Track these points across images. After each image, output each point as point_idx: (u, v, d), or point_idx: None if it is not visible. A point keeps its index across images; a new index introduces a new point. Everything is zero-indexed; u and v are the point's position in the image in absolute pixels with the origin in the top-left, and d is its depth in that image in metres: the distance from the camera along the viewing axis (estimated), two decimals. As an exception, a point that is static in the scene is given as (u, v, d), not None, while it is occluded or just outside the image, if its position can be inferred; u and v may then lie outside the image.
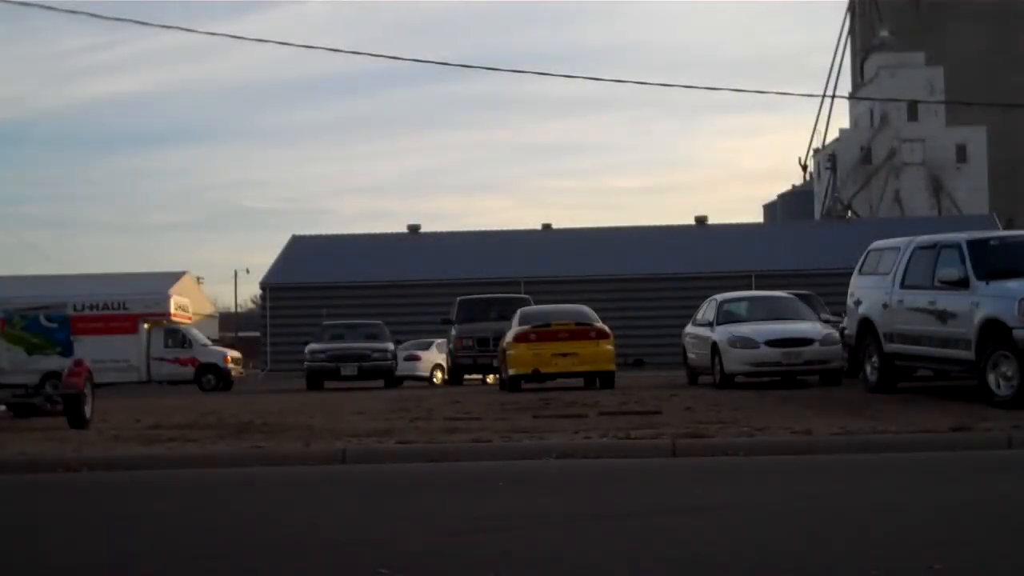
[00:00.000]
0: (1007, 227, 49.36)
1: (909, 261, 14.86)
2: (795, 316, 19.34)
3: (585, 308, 22.09)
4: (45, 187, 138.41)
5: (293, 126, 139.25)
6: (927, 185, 66.12)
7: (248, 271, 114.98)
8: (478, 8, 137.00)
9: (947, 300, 13.54)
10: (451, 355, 27.97)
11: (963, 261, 13.36)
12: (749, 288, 39.03)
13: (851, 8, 75.43)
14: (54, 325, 16.23)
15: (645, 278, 48.95)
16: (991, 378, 12.42)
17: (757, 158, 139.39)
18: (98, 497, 7.95)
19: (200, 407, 17.55)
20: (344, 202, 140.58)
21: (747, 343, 17.90)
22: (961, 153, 66.30)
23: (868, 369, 15.65)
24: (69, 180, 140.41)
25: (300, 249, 54.28)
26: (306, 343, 30.32)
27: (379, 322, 32.24)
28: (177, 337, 33.30)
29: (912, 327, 14.39)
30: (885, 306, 15.12)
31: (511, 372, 20.11)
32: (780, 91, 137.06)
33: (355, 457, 9.66)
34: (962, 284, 13.18)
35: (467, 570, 4.89)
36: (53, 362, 15.39)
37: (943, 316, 13.60)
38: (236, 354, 35.47)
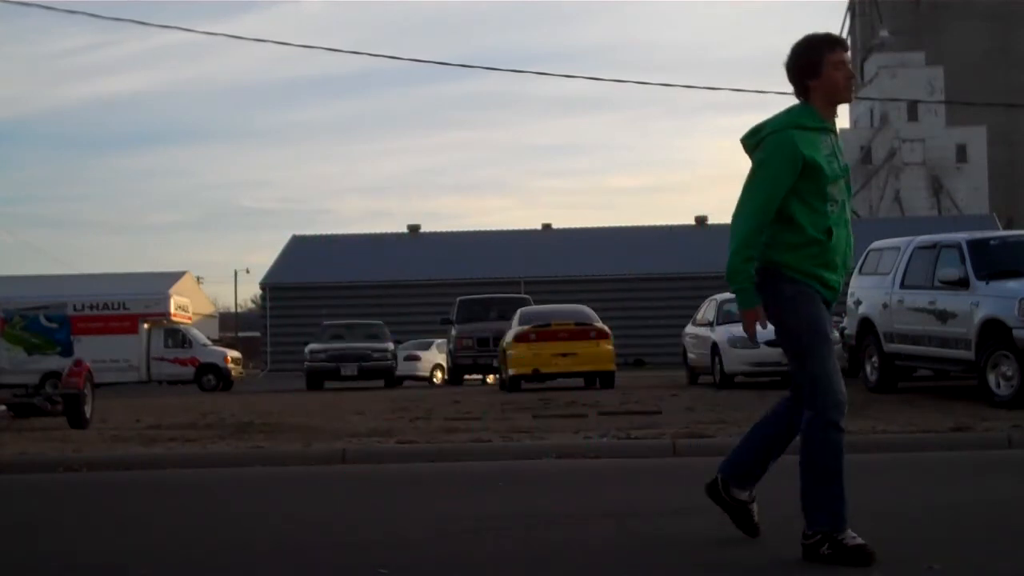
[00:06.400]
0: (1007, 227, 49.38)
1: (909, 261, 14.87)
2: (795, 316, 19.32)
3: (585, 308, 22.11)
4: (45, 187, 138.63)
5: (293, 126, 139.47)
6: (927, 185, 66.17)
7: (248, 271, 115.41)
8: (478, 8, 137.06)
9: (947, 300, 13.55)
10: (451, 355, 27.99)
11: (963, 261, 13.37)
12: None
13: (851, 8, 75.48)
14: (54, 325, 16.29)
15: (645, 278, 48.98)
16: (991, 378, 12.43)
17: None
18: (98, 497, 7.94)
19: (200, 407, 17.55)
20: (344, 202, 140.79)
21: (747, 343, 17.90)
22: (961, 153, 66.34)
23: (868, 369, 15.66)
24: (68, 180, 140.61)
25: (300, 249, 54.32)
26: (306, 343, 30.35)
27: (379, 322, 32.29)
28: (177, 337, 33.32)
29: (912, 327, 14.40)
30: (885, 306, 15.12)
31: (511, 372, 20.12)
32: (780, 91, 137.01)
33: (355, 457, 9.65)
34: (962, 284, 13.18)
35: (467, 570, 4.89)
36: (53, 362, 15.45)
37: (943, 316, 13.61)
38: (236, 354, 35.52)
